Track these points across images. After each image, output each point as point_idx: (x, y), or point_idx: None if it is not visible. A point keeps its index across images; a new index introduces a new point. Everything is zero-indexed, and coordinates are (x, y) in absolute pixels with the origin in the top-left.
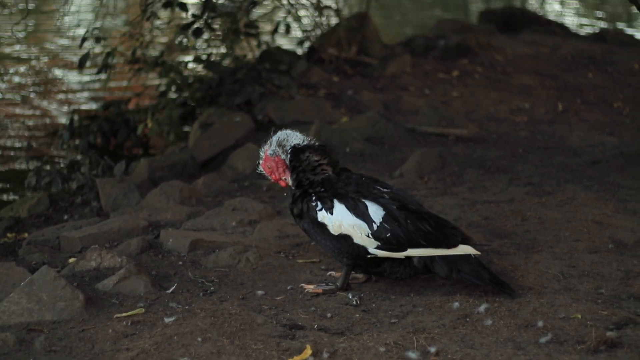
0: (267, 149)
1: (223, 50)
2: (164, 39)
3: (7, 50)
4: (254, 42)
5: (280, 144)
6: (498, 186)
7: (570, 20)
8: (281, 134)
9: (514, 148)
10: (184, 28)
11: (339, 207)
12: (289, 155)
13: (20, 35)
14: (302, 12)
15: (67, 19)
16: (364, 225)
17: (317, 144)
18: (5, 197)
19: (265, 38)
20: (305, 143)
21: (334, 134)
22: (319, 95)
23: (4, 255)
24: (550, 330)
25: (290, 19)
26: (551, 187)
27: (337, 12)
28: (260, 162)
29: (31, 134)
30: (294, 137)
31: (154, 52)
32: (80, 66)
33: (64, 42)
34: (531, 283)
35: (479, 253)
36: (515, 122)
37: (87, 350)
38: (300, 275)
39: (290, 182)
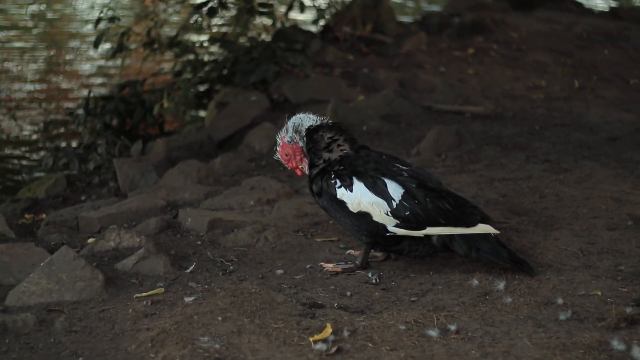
0: (284, 136)
1: (238, 29)
2: (178, 19)
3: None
4: (268, 21)
5: (296, 130)
6: (515, 163)
7: None
8: (295, 119)
9: (531, 125)
10: (198, 7)
11: (358, 185)
12: (304, 139)
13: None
14: None
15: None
16: (383, 203)
17: (330, 122)
18: (22, 179)
19: (280, 16)
20: (318, 123)
21: (350, 112)
22: (335, 74)
23: (22, 236)
24: (570, 307)
25: None
26: (569, 164)
27: None
28: (278, 148)
29: (48, 115)
30: (308, 120)
31: (169, 31)
32: (95, 46)
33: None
34: (550, 260)
35: (498, 232)
36: (531, 99)
37: (108, 330)
38: (319, 254)
39: (306, 170)
